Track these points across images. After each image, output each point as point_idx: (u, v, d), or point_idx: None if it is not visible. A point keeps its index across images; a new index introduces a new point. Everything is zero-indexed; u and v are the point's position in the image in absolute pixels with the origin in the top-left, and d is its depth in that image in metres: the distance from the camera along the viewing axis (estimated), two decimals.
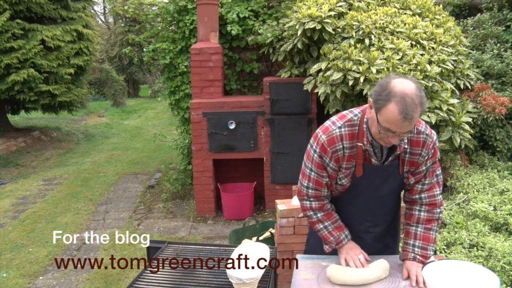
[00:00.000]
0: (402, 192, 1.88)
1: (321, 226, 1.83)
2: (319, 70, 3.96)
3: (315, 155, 1.73)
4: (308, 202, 1.83)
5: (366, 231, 1.88)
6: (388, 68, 3.45)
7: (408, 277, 1.70)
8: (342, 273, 1.69)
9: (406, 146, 1.66)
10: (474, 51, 4.32)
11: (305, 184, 1.80)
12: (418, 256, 1.73)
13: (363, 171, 1.71)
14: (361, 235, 1.87)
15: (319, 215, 1.82)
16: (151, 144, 8.90)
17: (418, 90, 1.49)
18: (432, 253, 1.76)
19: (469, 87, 3.87)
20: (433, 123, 3.37)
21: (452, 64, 3.74)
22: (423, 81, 3.42)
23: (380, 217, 1.86)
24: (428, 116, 3.37)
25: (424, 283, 1.64)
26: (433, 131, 1.72)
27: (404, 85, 1.48)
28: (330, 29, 3.98)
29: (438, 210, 1.77)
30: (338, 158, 1.70)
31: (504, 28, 4.47)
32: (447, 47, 3.82)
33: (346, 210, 1.87)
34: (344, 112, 1.75)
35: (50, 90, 8.39)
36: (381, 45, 3.70)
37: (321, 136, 1.70)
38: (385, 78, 1.57)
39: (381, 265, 1.73)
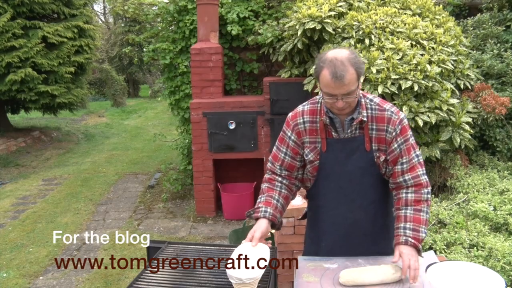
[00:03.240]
0: (394, 193, 1.85)
1: (260, 196, 1.92)
2: None
3: (281, 132, 1.90)
4: (266, 175, 1.96)
5: (344, 217, 1.87)
6: (388, 68, 3.45)
7: (399, 263, 1.65)
8: (357, 274, 1.67)
9: (364, 119, 1.75)
10: (474, 51, 4.32)
11: (270, 158, 1.96)
12: (410, 239, 1.68)
13: (327, 146, 1.81)
14: (341, 221, 1.88)
15: (263, 186, 1.92)
16: (151, 144, 8.90)
17: (349, 54, 1.64)
18: (424, 235, 1.71)
19: (469, 87, 3.87)
20: (433, 123, 3.37)
21: (452, 64, 3.74)
22: (423, 81, 3.42)
23: (354, 200, 1.85)
24: (428, 116, 3.37)
25: (415, 278, 1.60)
26: (401, 112, 1.81)
27: (335, 53, 1.64)
28: (330, 29, 3.98)
29: (426, 190, 1.76)
30: (299, 132, 1.84)
31: (504, 28, 4.47)
32: (447, 47, 3.82)
33: (323, 194, 1.91)
34: None
35: (49, 91, 8.34)
36: (381, 45, 3.70)
37: (288, 114, 1.90)
38: None
39: (396, 268, 1.69)
